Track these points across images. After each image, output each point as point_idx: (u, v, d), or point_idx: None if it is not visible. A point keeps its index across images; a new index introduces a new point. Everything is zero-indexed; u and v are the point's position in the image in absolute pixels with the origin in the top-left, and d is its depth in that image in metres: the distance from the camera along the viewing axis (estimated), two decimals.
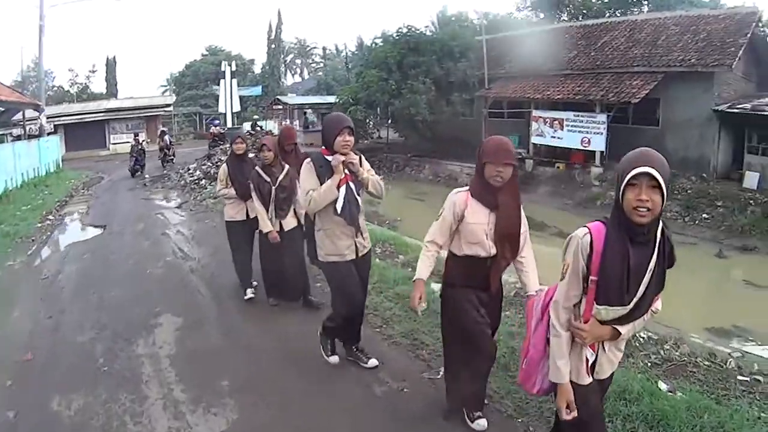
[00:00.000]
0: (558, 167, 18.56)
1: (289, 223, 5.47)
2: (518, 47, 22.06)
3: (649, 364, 4.32)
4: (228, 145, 13.30)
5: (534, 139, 19.28)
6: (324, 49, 57.50)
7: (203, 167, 16.99)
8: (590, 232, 2.15)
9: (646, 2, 28.66)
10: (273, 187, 5.32)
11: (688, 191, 14.93)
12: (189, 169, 17.49)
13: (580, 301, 2.27)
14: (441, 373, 3.86)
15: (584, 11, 28.97)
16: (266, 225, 5.34)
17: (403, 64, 22.76)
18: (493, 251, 3.13)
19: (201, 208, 12.24)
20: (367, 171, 3.92)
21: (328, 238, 3.91)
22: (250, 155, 6.57)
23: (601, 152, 17.36)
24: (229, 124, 25.48)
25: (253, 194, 5.38)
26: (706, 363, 4.33)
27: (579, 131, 17.78)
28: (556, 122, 18.44)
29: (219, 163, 12.49)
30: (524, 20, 31.79)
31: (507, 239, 3.14)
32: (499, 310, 3.45)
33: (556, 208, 16.43)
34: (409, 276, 5.88)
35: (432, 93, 22.02)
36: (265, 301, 5.84)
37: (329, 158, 3.79)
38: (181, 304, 6.04)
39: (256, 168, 5.47)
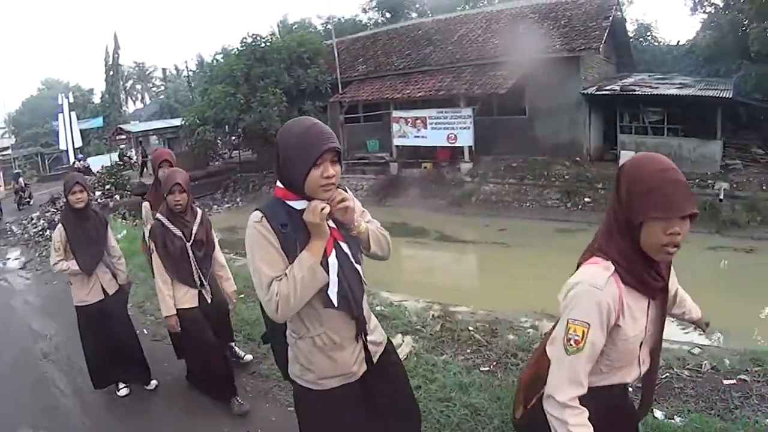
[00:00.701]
0: (425, 167, 17.09)
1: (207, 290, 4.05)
2: (370, 48, 21.24)
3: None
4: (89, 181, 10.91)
5: (396, 141, 17.63)
6: (164, 70, 54.20)
7: (47, 215, 15.49)
8: None
9: None
10: (188, 244, 3.79)
11: (566, 177, 14.22)
12: (32, 219, 15.66)
13: None
14: None
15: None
16: (168, 306, 3.79)
17: (251, 76, 20.95)
18: (646, 367, 1.72)
19: (47, 266, 10.82)
20: (360, 215, 2.02)
21: (319, 351, 1.96)
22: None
23: (470, 147, 16.21)
24: (72, 160, 23.24)
25: (153, 256, 3.80)
26: (686, 373, 3.79)
27: (444, 128, 16.53)
28: (419, 121, 16.98)
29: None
30: (371, 22, 31.08)
31: (661, 336, 1.71)
32: None
33: (431, 210, 15.46)
34: None
35: (284, 104, 20.24)
36: (141, 397, 4.45)
37: (296, 206, 1.85)
38: (38, 412, 4.68)
39: (159, 218, 3.84)
